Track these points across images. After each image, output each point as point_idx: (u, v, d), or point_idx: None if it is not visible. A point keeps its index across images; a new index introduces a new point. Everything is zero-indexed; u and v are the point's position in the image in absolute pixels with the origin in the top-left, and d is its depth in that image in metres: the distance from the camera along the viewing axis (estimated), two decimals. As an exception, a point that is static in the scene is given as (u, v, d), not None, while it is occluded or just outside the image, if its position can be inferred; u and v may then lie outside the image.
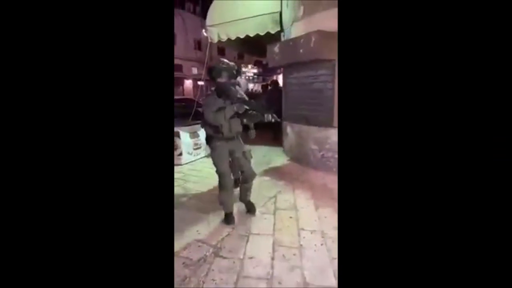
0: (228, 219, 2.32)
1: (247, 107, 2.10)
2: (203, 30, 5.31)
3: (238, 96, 2.18)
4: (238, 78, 2.85)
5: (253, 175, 2.39)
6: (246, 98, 2.22)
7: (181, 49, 18.04)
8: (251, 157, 2.37)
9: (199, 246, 1.97)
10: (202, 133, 4.05)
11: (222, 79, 2.14)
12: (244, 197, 2.50)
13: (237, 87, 2.45)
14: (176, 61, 17.93)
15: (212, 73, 2.16)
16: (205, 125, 2.23)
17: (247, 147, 2.37)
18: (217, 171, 2.28)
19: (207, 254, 1.86)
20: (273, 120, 2.09)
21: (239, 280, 1.62)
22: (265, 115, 2.08)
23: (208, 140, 2.29)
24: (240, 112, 2.09)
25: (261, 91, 8.88)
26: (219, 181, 2.30)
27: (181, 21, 18.09)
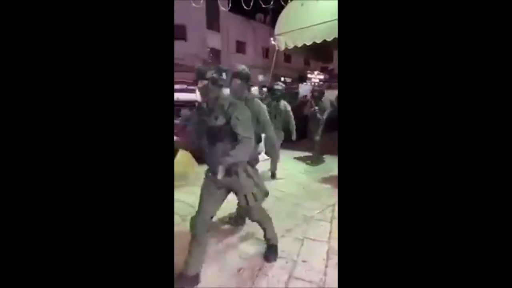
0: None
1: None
2: (271, 39, 5.54)
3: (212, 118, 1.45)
4: (303, 85, 2.87)
5: (272, 237, 1.76)
6: (238, 119, 1.43)
7: (250, 57, 18.97)
8: (261, 198, 1.64)
9: (255, 242, 2.08)
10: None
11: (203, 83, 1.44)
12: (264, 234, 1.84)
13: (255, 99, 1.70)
14: (245, 69, 18.82)
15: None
16: None
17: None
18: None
19: (262, 251, 1.95)
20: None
21: (290, 280, 1.66)
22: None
23: None
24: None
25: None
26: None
27: (251, 30, 19.08)
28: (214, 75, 1.44)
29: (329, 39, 4.40)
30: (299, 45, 4.86)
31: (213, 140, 1.50)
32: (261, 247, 1.99)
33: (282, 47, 5.15)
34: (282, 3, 5.22)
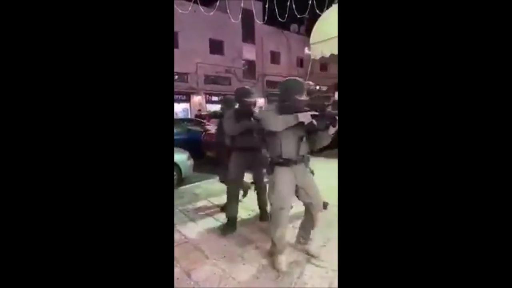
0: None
1: None
2: (306, 48, 5.56)
3: None
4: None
5: None
6: None
7: (285, 67, 19.13)
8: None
9: (293, 250, 2.06)
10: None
11: None
12: None
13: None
14: (279, 79, 19.05)
15: None
16: None
17: None
18: None
19: (300, 259, 1.93)
20: None
21: (331, 291, 1.62)
22: None
23: None
24: None
25: None
26: None
27: (286, 40, 19.29)
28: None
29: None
30: (336, 53, 4.81)
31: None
32: (298, 256, 1.97)
33: (318, 56, 5.14)
34: (318, 11, 5.25)
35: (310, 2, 5.39)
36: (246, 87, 2.52)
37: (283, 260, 1.83)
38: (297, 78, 1.77)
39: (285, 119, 1.63)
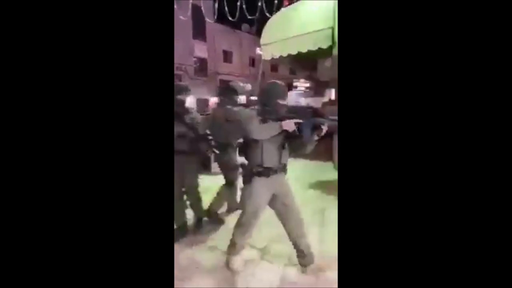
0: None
1: None
2: (257, 48, 5.66)
3: None
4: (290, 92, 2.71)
5: None
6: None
7: (237, 66, 19.19)
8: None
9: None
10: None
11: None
12: None
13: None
14: (232, 78, 19.06)
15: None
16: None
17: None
18: None
19: (254, 257, 1.97)
20: None
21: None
22: None
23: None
24: None
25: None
26: None
27: (238, 40, 19.36)
28: None
29: (314, 49, 4.55)
30: (285, 55, 4.99)
31: None
32: (253, 254, 2.00)
33: (268, 57, 5.27)
34: (267, 14, 5.39)
35: (260, 3, 5.50)
36: (182, 83, 2.28)
37: (237, 260, 1.83)
38: (278, 81, 1.71)
39: (269, 127, 1.54)
